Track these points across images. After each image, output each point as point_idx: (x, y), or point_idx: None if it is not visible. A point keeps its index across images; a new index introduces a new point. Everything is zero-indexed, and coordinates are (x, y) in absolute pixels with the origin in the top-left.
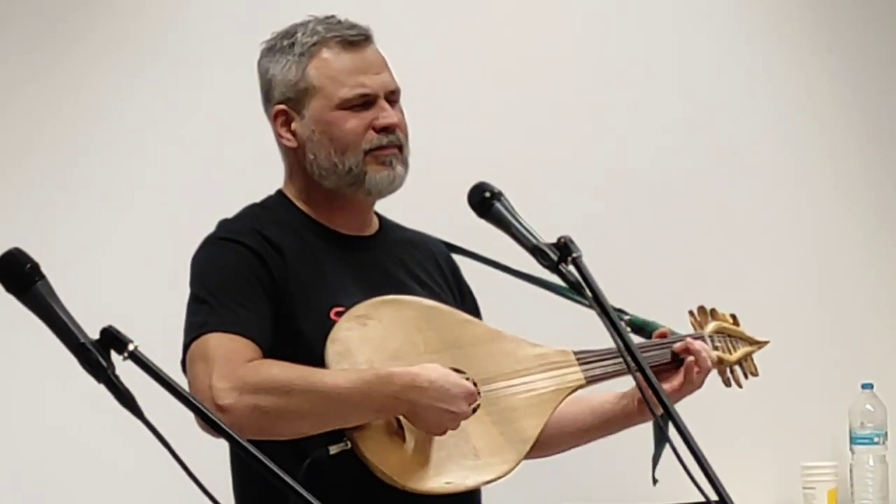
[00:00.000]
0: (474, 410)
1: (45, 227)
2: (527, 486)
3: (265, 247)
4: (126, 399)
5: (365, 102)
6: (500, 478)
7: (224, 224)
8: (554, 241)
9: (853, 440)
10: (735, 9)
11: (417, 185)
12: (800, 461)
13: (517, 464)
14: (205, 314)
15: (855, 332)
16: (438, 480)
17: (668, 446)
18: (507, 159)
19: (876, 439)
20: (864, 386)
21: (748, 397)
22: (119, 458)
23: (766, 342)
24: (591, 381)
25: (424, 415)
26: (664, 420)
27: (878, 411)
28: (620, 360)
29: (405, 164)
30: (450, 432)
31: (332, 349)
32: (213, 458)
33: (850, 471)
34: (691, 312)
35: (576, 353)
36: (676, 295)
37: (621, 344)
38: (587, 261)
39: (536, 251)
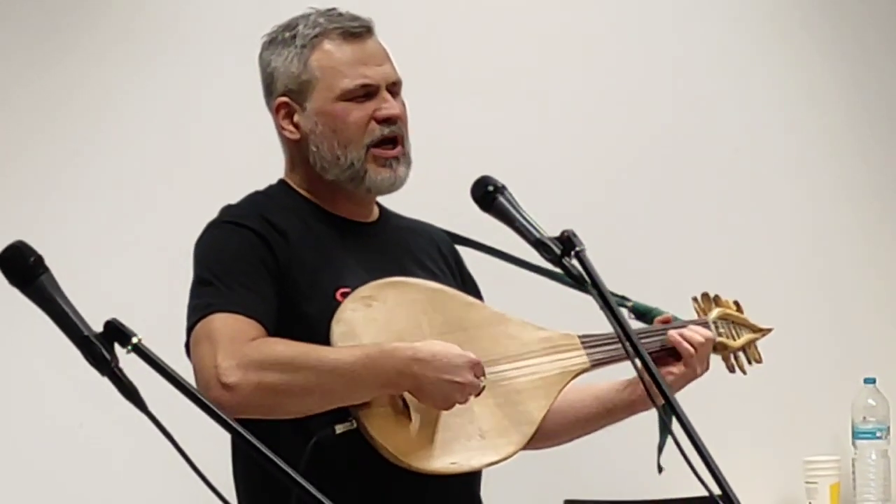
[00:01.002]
0: (478, 394)
1: (49, 221)
2: (528, 482)
3: (269, 230)
4: (130, 392)
5: (367, 94)
6: (505, 459)
7: (227, 209)
8: (557, 234)
9: (855, 435)
10: (736, 2)
11: (421, 179)
12: (802, 455)
13: (522, 446)
14: (209, 296)
15: (857, 327)
16: (444, 460)
17: (670, 438)
18: (511, 153)
19: (878, 434)
20: (866, 380)
21: (751, 391)
22: (122, 451)
23: (770, 329)
24: (596, 364)
25: (430, 388)
26: (665, 409)
27: (880, 406)
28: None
29: (408, 163)
30: (455, 413)
31: (337, 330)
32: (217, 450)
33: (853, 465)
34: (695, 299)
35: (581, 337)
36: (678, 289)
37: (622, 334)
38: (593, 249)
39: (540, 245)
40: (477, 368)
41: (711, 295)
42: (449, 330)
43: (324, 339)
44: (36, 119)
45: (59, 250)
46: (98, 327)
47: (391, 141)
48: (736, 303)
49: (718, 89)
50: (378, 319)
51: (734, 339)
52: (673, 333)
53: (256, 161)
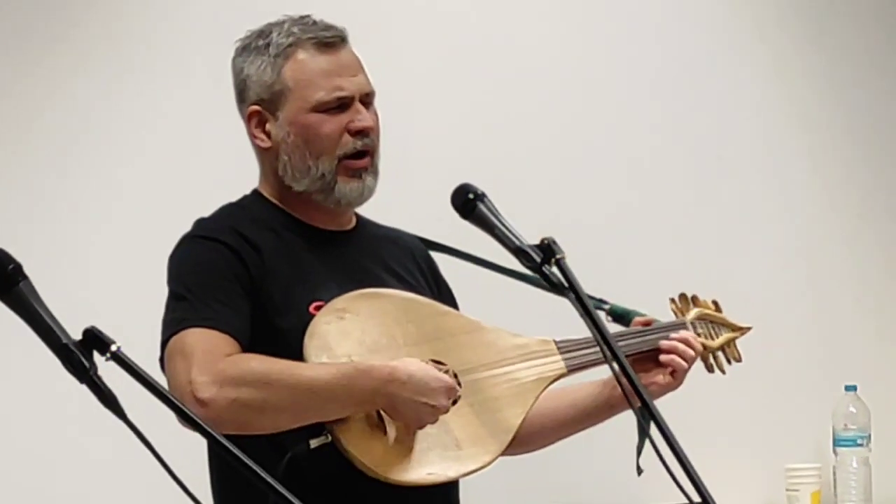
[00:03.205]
0: (454, 402)
1: (28, 228)
2: (512, 489)
3: (242, 244)
4: (108, 399)
5: (341, 105)
6: (482, 468)
7: (200, 222)
8: (537, 241)
9: (836, 442)
10: (719, 7)
11: (401, 186)
12: (783, 463)
13: (499, 454)
14: (183, 311)
15: (839, 335)
16: (420, 472)
17: (649, 442)
18: (491, 160)
19: (859, 441)
20: (847, 388)
21: (732, 398)
22: (101, 458)
23: (749, 328)
24: (573, 369)
25: (403, 408)
26: (643, 412)
27: (861, 413)
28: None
29: (375, 174)
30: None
31: (311, 344)
32: (195, 458)
33: (834, 473)
34: (672, 300)
35: (557, 343)
36: (659, 293)
37: (602, 342)
38: (573, 253)
39: (520, 253)
40: (451, 392)
41: (689, 295)
42: (424, 340)
43: (298, 352)
44: (16, 122)
45: (38, 258)
46: (77, 335)
47: (362, 153)
48: (714, 302)
49: (701, 91)
50: (352, 332)
51: (713, 339)
52: (665, 349)
53: (238, 165)
